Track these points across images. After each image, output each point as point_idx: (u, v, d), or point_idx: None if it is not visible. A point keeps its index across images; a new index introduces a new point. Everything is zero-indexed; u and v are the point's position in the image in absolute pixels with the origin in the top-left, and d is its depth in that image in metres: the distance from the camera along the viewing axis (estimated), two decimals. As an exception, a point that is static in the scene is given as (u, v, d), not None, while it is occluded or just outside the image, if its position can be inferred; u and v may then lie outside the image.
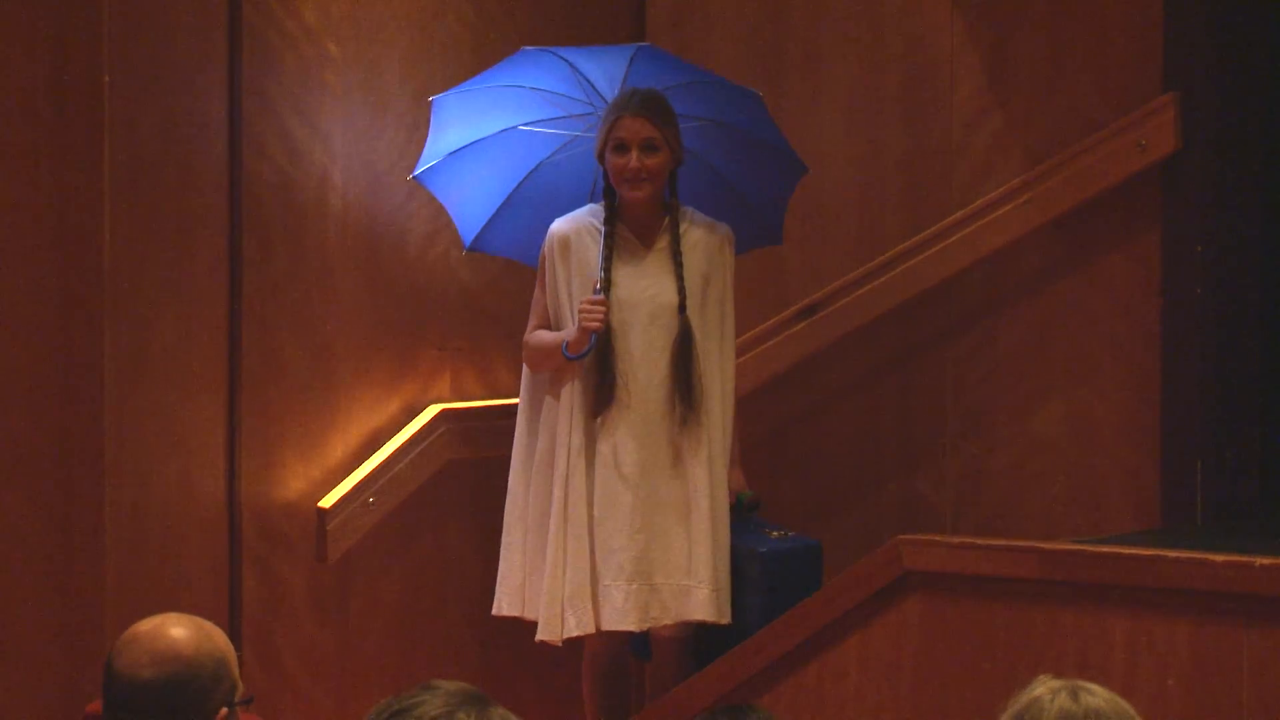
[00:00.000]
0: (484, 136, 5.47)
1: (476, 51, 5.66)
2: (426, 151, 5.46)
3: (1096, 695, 2.87)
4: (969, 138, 5.82)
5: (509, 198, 5.53)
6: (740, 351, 5.83)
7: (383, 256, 5.66)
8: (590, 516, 5.20)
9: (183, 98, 5.30)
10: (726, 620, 5.21)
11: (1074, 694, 2.87)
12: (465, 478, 5.76)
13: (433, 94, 5.56)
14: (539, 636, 5.23)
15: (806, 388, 6.04)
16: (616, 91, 5.37)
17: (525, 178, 5.53)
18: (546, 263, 5.34)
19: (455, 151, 5.46)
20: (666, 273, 5.29)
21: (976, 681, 4.71)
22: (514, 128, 5.48)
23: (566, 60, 5.40)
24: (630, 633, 5.41)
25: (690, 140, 5.35)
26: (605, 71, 5.42)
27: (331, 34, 5.56)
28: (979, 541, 4.91)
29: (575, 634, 5.20)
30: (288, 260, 5.48)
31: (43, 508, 5.07)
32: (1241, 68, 5.60)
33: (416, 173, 5.47)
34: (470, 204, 5.55)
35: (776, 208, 5.60)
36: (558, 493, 5.21)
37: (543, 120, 5.48)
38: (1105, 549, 4.71)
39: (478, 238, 5.56)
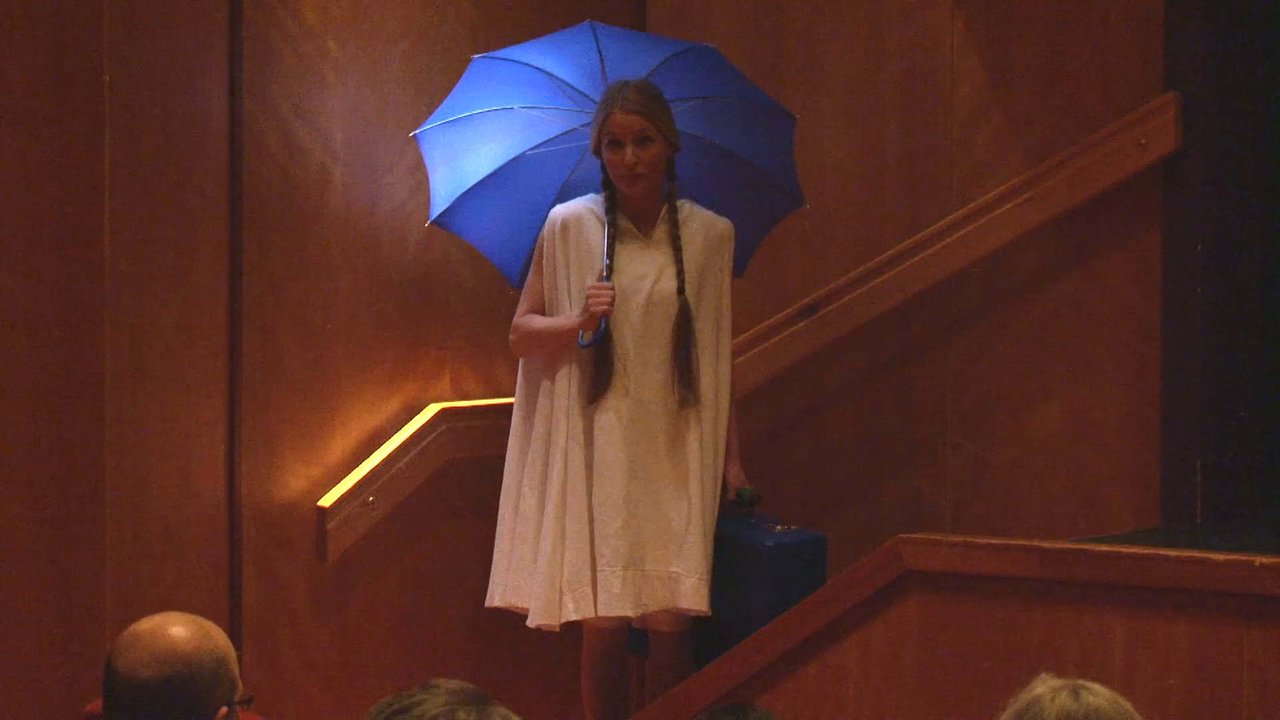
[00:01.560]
0: (495, 170, 5.46)
1: (477, 51, 5.66)
2: (435, 193, 5.45)
3: (1098, 694, 2.87)
4: (969, 137, 5.82)
5: None
6: (740, 351, 5.83)
7: (383, 255, 5.66)
8: (590, 501, 5.20)
9: (183, 97, 5.30)
10: (708, 612, 5.21)
11: (1075, 693, 2.87)
12: (465, 477, 5.76)
13: (434, 93, 5.56)
14: (534, 621, 5.22)
15: (806, 387, 6.04)
16: (600, 86, 5.37)
17: (553, 203, 5.50)
18: (545, 247, 5.34)
19: (469, 190, 5.45)
20: (666, 259, 5.30)
21: (976, 681, 4.71)
22: (523, 154, 5.47)
23: (540, 70, 5.40)
24: (629, 630, 5.42)
25: (687, 123, 5.35)
26: (581, 70, 5.42)
27: (332, 33, 5.56)
28: (979, 541, 4.91)
29: (574, 618, 5.19)
30: (288, 260, 5.48)
31: (43, 508, 5.06)
32: (1241, 68, 5.59)
33: (434, 218, 5.46)
34: (504, 242, 5.52)
35: (786, 167, 5.59)
36: (555, 477, 5.22)
37: (549, 140, 5.48)
38: (1105, 549, 4.71)
39: (522, 274, 5.50)
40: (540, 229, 5.43)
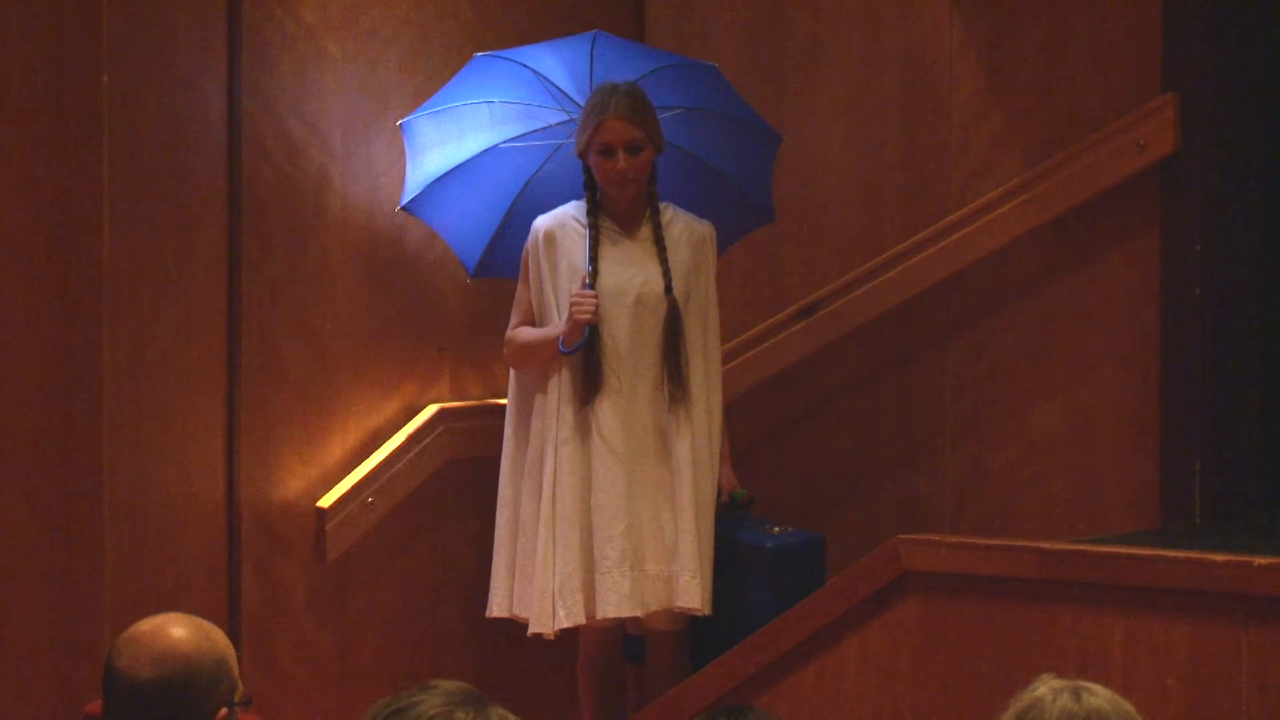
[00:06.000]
0: (466, 160, 5.47)
1: (475, 52, 5.66)
2: (409, 180, 5.47)
3: (1099, 695, 2.87)
4: (968, 137, 5.82)
5: (505, 219, 5.53)
6: (740, 351, 5.83)
7: (382, 256, 5.67)
8: (582, 506, 5.20)
9: (183, 98, 5.30)
10: (708, 611, 5.21)
11: (1076, 694, 2.87)
12: (464, 477, 5.77)
13: (432, 93, 5.56)
14: (531, 630, 5.23)
15: (806, 388, 6.04)
16: (585, 90, 5.37)
17: (517, 196, 5.52)
18: (530, 258, 5.34)
19: (439, 178, 5.46)
20: (651, 260, 5.30)
21: (976, 682, 4.71)
22: (495, 146, 5.47)
23: (528, 68, 5.40)
24: (624, 638, 5.42)
25: (667, 132, 5.35)
26: (570, 72, 5.42)
27: (331, 34, 5.56)
28: (978, 541, 4.91)
29: (566, 625, 5.20)
30: (287, 260, 5.48)
31: (43, 508, 5.07)
32: (1241, 68, 5.60)
33: (404, 203, 5.48)
34: (466, 231, 5.54)
35: (763, 184, 5.60)
36: (546, 486, 5.22)
37: (522, 135, 5.48)
38: (1105, 549, 4.71)
39: (480, 264, 5.55)
40: (500, 222, 5.45)
